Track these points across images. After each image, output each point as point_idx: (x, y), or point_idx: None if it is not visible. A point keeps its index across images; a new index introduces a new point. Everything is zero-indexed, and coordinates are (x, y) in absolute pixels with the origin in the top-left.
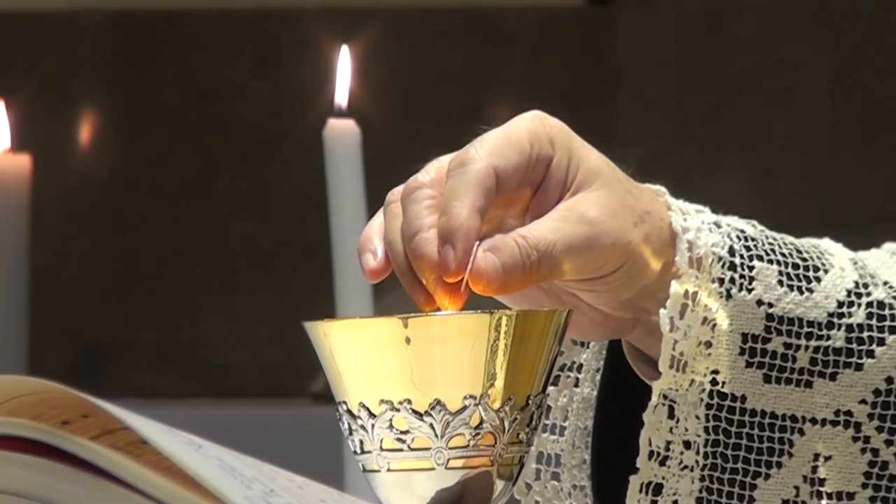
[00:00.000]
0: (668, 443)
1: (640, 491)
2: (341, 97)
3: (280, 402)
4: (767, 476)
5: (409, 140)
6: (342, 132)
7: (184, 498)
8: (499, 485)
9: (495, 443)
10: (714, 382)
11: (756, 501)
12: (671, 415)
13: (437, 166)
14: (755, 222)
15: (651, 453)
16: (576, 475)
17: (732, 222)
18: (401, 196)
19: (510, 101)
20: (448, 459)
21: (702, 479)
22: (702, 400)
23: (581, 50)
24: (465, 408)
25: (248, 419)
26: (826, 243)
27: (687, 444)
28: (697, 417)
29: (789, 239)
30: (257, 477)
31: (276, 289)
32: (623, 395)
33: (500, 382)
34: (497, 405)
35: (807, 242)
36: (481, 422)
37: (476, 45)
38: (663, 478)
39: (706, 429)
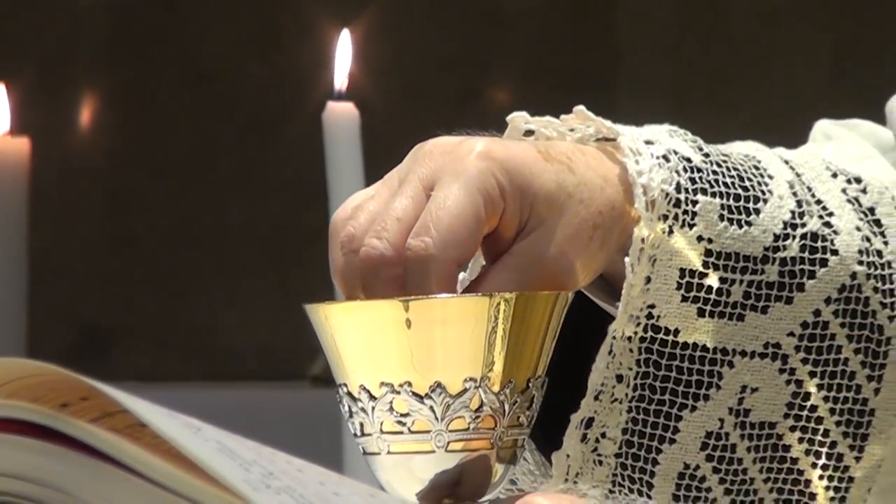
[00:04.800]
0: (605, 378)
1: (577, 427)
2: (341, 80)
3: (279, 385)
4: (693, 408)
5: (408, 123)
6: (341, 115)
7: (183, 480)
8: (498, 468)
9: (495, 425)
10: (650, 317)
11: (680, 432)
12: (609, 350)
13: (397, 228)
14: (700, 141)
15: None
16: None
17: (681, 149)
18: (362, 268)
19: (510, 85)
20: (448, 442)
21: (629, 410)
22: (636, 333)
23: (580, 34)
24: (465, 390)
25: (248, 402)
26: (767, 159)
27: (619, 378)
28: (631, 351)
29: (732, 159)
30: (256, 460)
31: (276, 272)
32: (578, 335)
33: (500, 365)
34: (497, 388)
35: (748, 162)
36: (481, 404)
37: (476, 28)
38: (595, 411)
39: (637, 362)
